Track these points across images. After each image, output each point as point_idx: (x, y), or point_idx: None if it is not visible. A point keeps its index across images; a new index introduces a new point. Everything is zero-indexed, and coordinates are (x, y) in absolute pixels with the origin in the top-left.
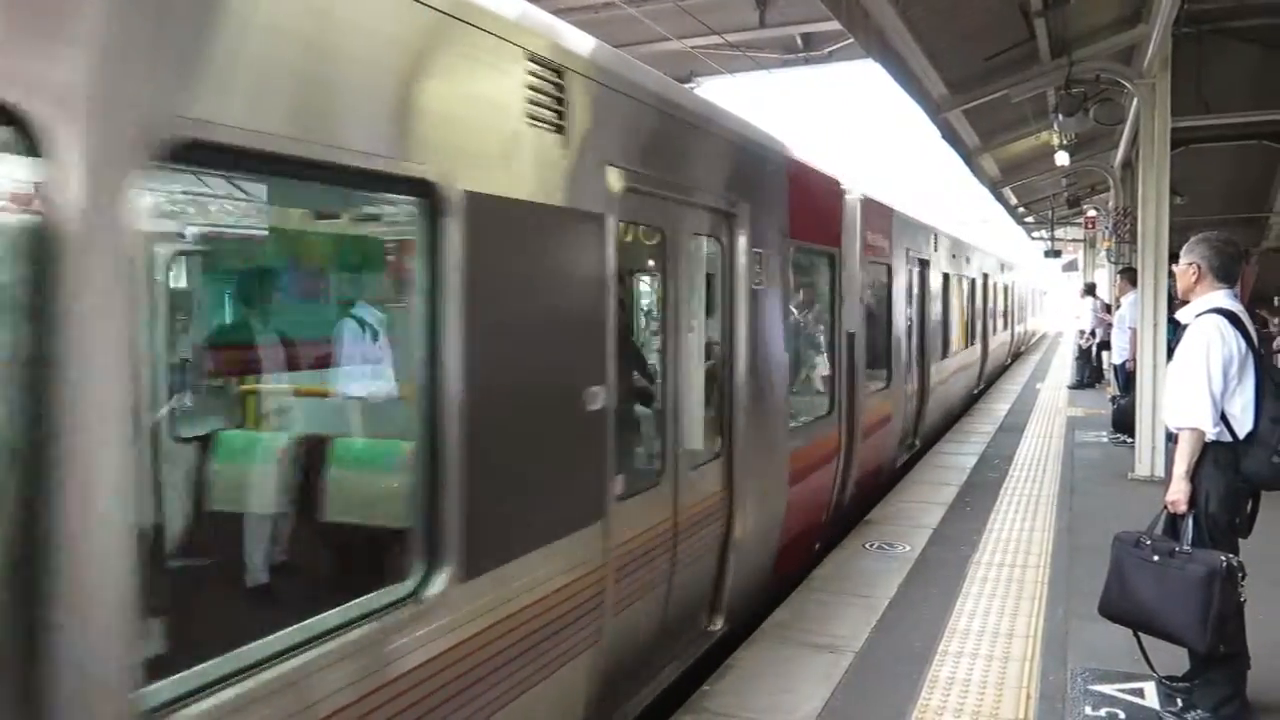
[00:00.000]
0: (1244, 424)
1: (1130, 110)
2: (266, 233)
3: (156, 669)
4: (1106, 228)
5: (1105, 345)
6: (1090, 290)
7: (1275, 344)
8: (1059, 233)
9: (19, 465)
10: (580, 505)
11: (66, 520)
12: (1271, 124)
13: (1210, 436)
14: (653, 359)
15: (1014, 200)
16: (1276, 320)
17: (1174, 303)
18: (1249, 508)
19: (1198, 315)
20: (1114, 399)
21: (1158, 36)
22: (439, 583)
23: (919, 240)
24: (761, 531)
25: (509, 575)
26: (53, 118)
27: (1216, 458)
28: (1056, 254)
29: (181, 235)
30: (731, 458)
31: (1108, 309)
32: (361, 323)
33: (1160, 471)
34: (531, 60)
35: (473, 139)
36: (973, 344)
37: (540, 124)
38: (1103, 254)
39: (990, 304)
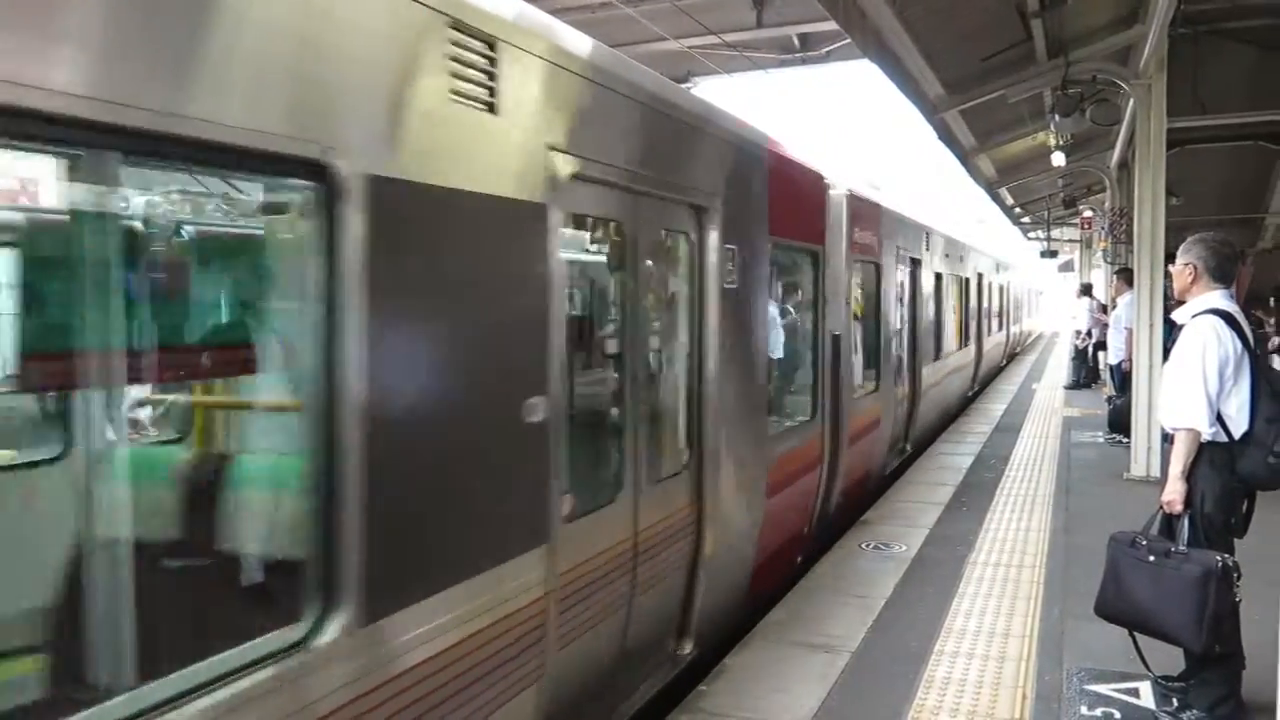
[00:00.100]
0: (1239, 424)
1: (1126, 111)
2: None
3: None
4: (1103, 228)
5: (1101, 345)
6: (1086, 290)
7: (1271, 344)
8: (1055, 233)
9: None
10: (516, 530)
11: None
12: (1267, 125)
13: (1206, 437)
14: (609, 365)
15: (1010, 200)
16: (1272, 321)
17: (1169, 303)
18: (1244, 508)
19: (1194, 316)
20: (1110, 399)
21: (1154, 37)
22: (334, 628)
23: (910, 239)
24: (735, 547)
25: (423, 614)
26: None
27: (1212, 458)
28: (1053, 254)
29: None
30: (701, 470)
31: (1104, 309)
32: (248, 325)
33: (1156, 472)
34: (455, 28)
35: (379, 116)
36: (967, 345)
37: (467, 101)
38: (1099, 254)
39: (985, 304)
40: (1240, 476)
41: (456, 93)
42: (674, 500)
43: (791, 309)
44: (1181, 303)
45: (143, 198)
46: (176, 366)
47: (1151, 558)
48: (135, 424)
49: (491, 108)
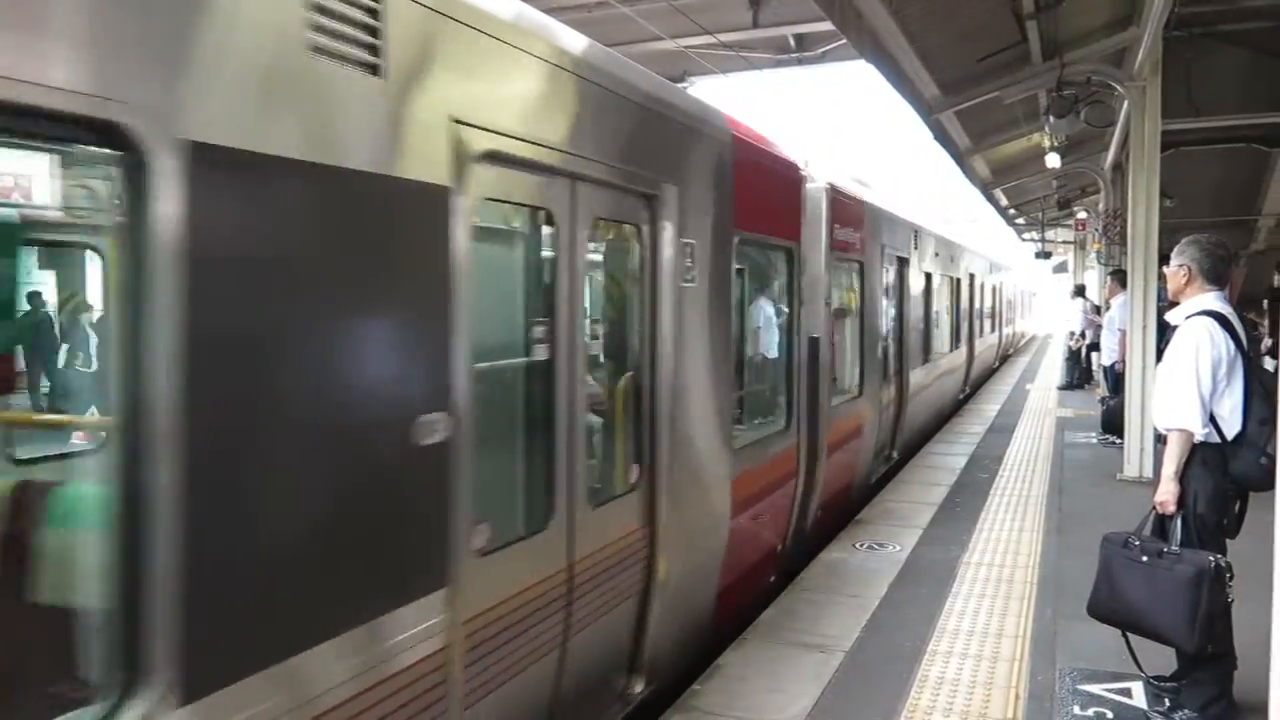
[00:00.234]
0: (1232, 425)
1: (1121, 113)
2: None
3: None
4: (1097, 229)
5: (1095, 347)
6: (1080, 292)
7: (1263, 346)
8: (1049, 234)
9: None
10: (404, 572)
11: None
12: (1260, 127)
13: (1199, 438)
14: (538, 374)
15: (1005, 202)
16: (1265, 323)
17: (1163, 304)
18: (1237, 508)
19: (1188, 317)
20: (1103, 400)
21: (1149, 39)
22: (135, 711)
23: (897, 236)
24: (695, 572)
25: (268, 686)
26: None
27: (1205, 459)
28: (1047, 255)
29: None
30: (654, 488)
31: (1097, 310)
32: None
33: (1149, 473)
34: None
35: (204, 69)
36: (958, 347)
37: (337, 58)
38: (1093, 256)
39: (977, 305)
40: (1233, 478)
41: (320, 49)
42: (620, 523)
43: (762, 310)
44: (1175, 304)
45: None
46: None
47: (1144, 558)
48: None
49: (374, 69)
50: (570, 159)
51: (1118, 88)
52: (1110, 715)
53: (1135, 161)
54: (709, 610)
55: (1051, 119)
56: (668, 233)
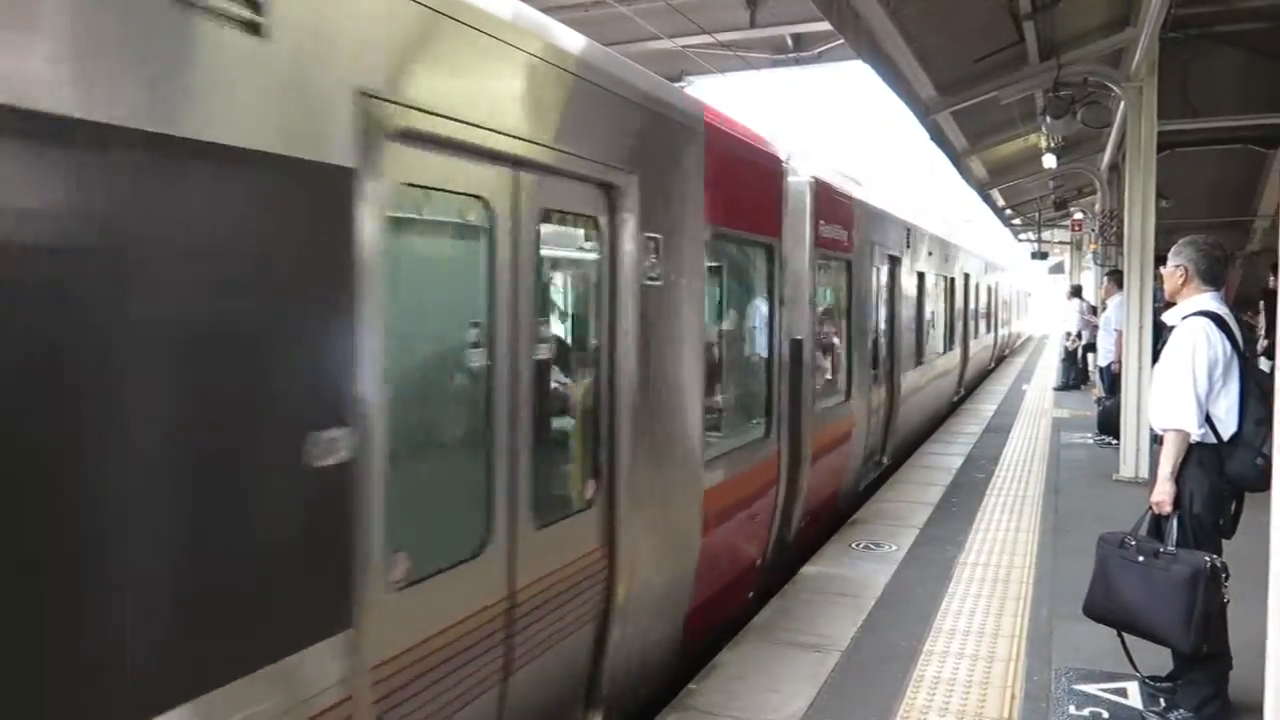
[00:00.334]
0: (1228, 426)
1: (1117, 113)
2: None
3: None
4: (1093, 230)
5: (1091, 347)
6: (1077, 292)
7: (1259, 346)
8: (1046, 235)
9: None
10: (292, 616)
11: None
12: (1256, 128)
13: (1195, 438)
14: (473, 382)
15: (1001, 202)
16: (1261, 323)
17: (1159, 305)
18: (1232, 509)
19: (1184, 318)
20: (1099, 401)
21: (1145, 40)
22: None
23: (888, 234)
24: (661, 593)
25: None
26: None
27: (1201, 459)
28: (1043, 256)
29: None
30: (613, 504)
31: (1094, 311)
32: None
33: (1145, 473)
34: None
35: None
36: (952, 348)
37: (207, 10)
38: (1089, 256)
39: (972, 306)
40: (1229, 478)
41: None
42: (574, 544)
43: (738, 310)
44: (1171, 305)
45: None
46: None
47: (1140, 558)
48: None
49: (254, 27)
50: (512, 143)
51: (1114, 88)
52: (1106, 715)
53: (1132, 162)
54: (677, 634)
55: (1048, 120)
56: (629, 227)
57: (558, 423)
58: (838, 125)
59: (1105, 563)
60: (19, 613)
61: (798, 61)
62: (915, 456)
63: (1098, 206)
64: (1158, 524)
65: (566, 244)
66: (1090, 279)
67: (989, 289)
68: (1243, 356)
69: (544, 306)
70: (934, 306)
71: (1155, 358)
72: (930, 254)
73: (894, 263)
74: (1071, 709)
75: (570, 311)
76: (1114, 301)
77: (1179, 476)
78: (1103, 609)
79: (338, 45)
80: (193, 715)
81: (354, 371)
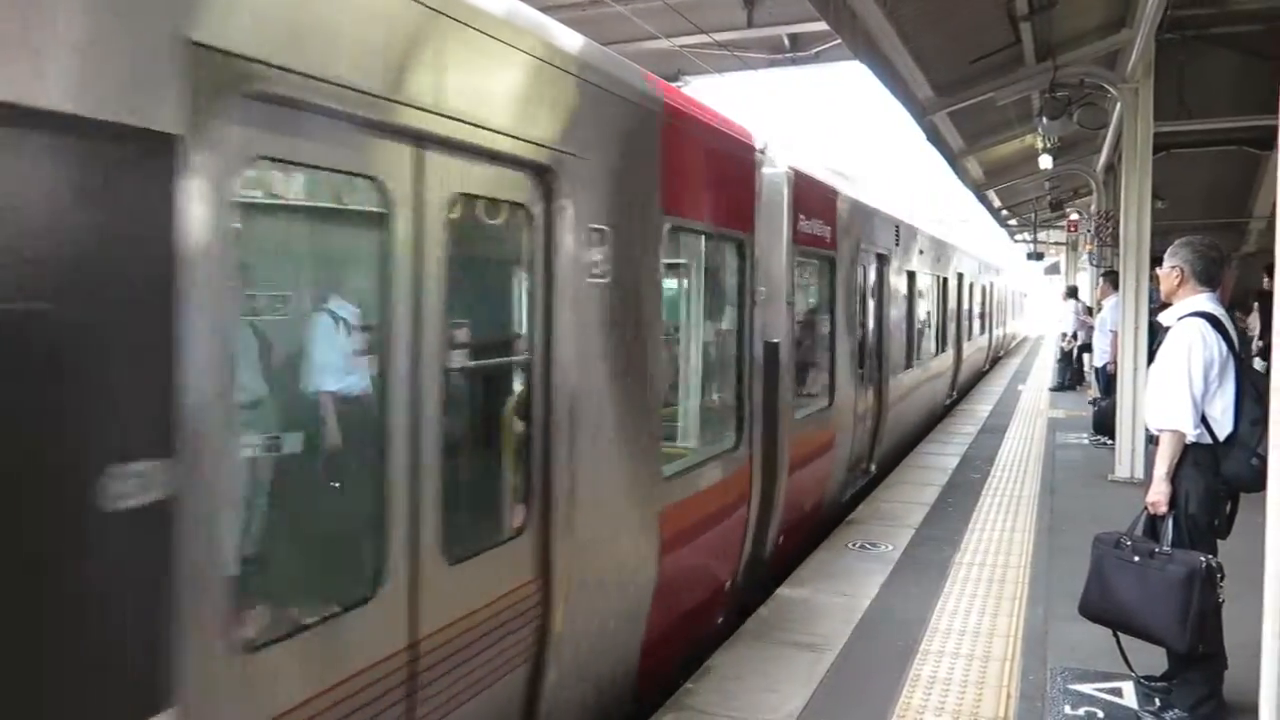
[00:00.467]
0: (1224, 426)
1: (1113, 115)
2: None
3: None
4: (1089, 231)
5: (1086, 348)
6: (1072, 293)
7: (1254, 346)
8: (1042, 235)
9: None
10: (82, 698)
11: None
12: (1251, 130)
13: (1190, 438)
14: (360, 397)
15: (998, 203)
16: (1251, 322)
17: (1154, 305)
18: (1228, 509)
19: (1180, 318)
20: (1095, 401)
21: (1141, 42)
22: None
23: (875, 231)
24: (610, 626)
25: None
26: None
27: (1197, 459)
28: (1039, 257)
29: None
30: (548, 531)
31: (1089, 311)
32: None
33: (1140, 473)
34: None
35: None
36: (944, 350)
37: None
38: (1085, 257)
39: (966, 306)
40: (1224, 478)
41: None
42: (498, 579)
43: (703, 311)
44: (1167, 305)
45: None
46: None
47: (1136, 558)
48: None
49: None
50: (413, 114)
51: (1110, 90)
52: (1101, 715)
53: (1127, 163)
54: (631, 668)
55: (1044, 120)
56: (568, 216)
57: (478, 441)
58: (836, 126)
59: (1101, 563)
60: None
61: (794, 61)
62: (911, 457)
63: (1093, 207)
64: (1153, 524)
65: (489, 236)
66: (1086, 280)
67: (983, 289)
68: (1238, 357)
69: (459, 307)
70: (925, 307)
71: (1151, 358)
72: (922, 253)
73: (882, 261)
74: (1067, 708)
75: (496, 313)
76: (1109, 302)
77: (1175, 477)
78: (1098, 609)
79: None
80: None
81: (175, 389)
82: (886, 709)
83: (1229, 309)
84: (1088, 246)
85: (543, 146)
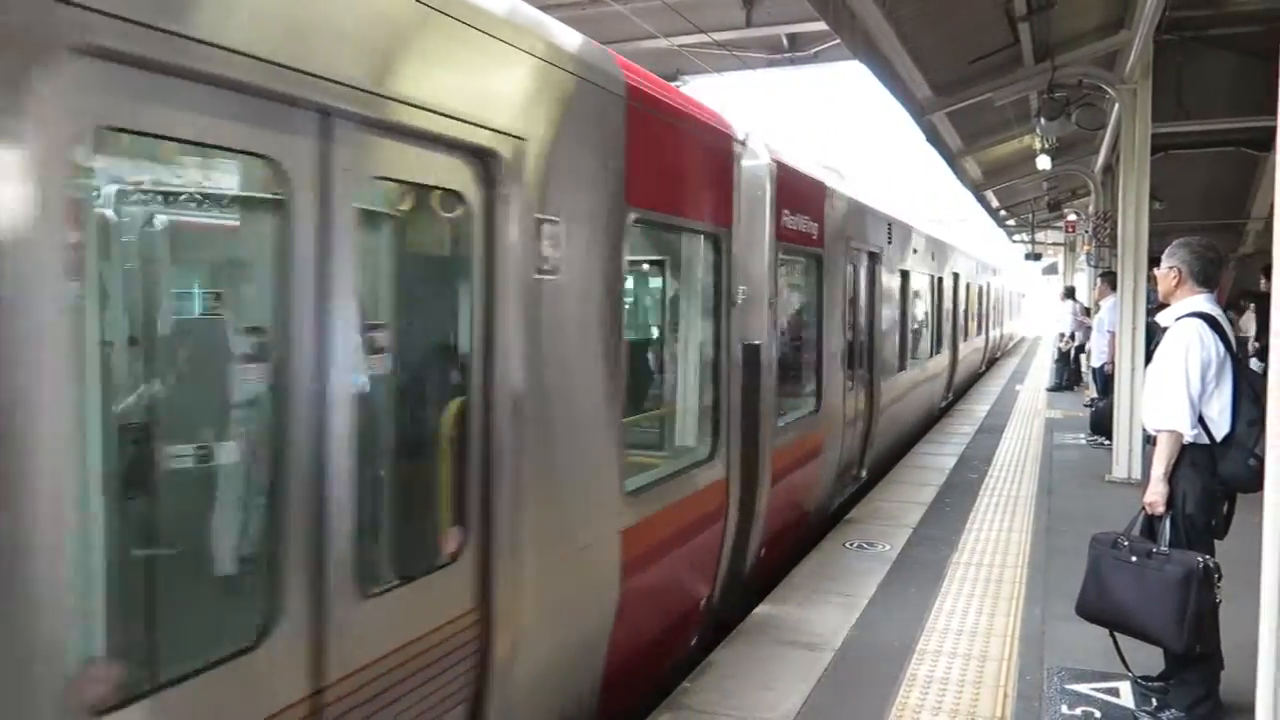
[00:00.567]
0: (1221, 427)
1: (1112, 115)
2: None
3: None
4: (1087, 231)
5: (1084, 348)
6: (1070, 294)
7: (1250, 347)
8: (1040, 236)
9: None
10: None
11: None
12: (1249, 131)
13: (1188, 439)
14: (244, 406)
15: (996, 203)
16: (1240, 321)
17: (1152, 306)
18: (1225, 510)
19: (1177, 319)
20: (1092, 401)
21: (1140, 43)
22: None
23: (867, 228)
24: (564, 657)
25: None
26: None
27: (1194, 460)
28: (1037, 257)
29: None
30: (489, 555)
31: (1087, 312)
32: None
33: (1137, 474)
34: None
35: None
36: (939, 352)
37: None
38: (1083, 257)
39: (962, 307)
40: (1221, 479)
41: None
42: (427, 611)
43: (674, 310)
44: (1165, 306)
45: None
46: None
47: (1133, 558)
48: None
49: None
50: (316, 85)
51: (1109, 90)
52: (1098, 714)
53: (1125, 164)
54: (590, 699)
55: (1043, 121)
56: (513, 205)
57: (402, 457)
58: (835, 126)
59: (1098, 563)
60: None
61: (793, 61)
62: (909, 456)
63: (1091, 208)
64: (1150, 524)
65: (416, 226)
66: (1084, 280)
67: (980, 290)
68: (1236, 357)
69: (378, 308)
70: (920, 308)
71: (1148, 359)
72: (916, 251)
73: (874, 260)
74: (1064, 708)
75: (425, 313)
76: (1107, 303)
77: (1172, 477)
78: (1095, 609)
79: None
80: None
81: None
82: (884, 708)
83: (1226, 310)
84: (1086, 247)
85: (482, 127)
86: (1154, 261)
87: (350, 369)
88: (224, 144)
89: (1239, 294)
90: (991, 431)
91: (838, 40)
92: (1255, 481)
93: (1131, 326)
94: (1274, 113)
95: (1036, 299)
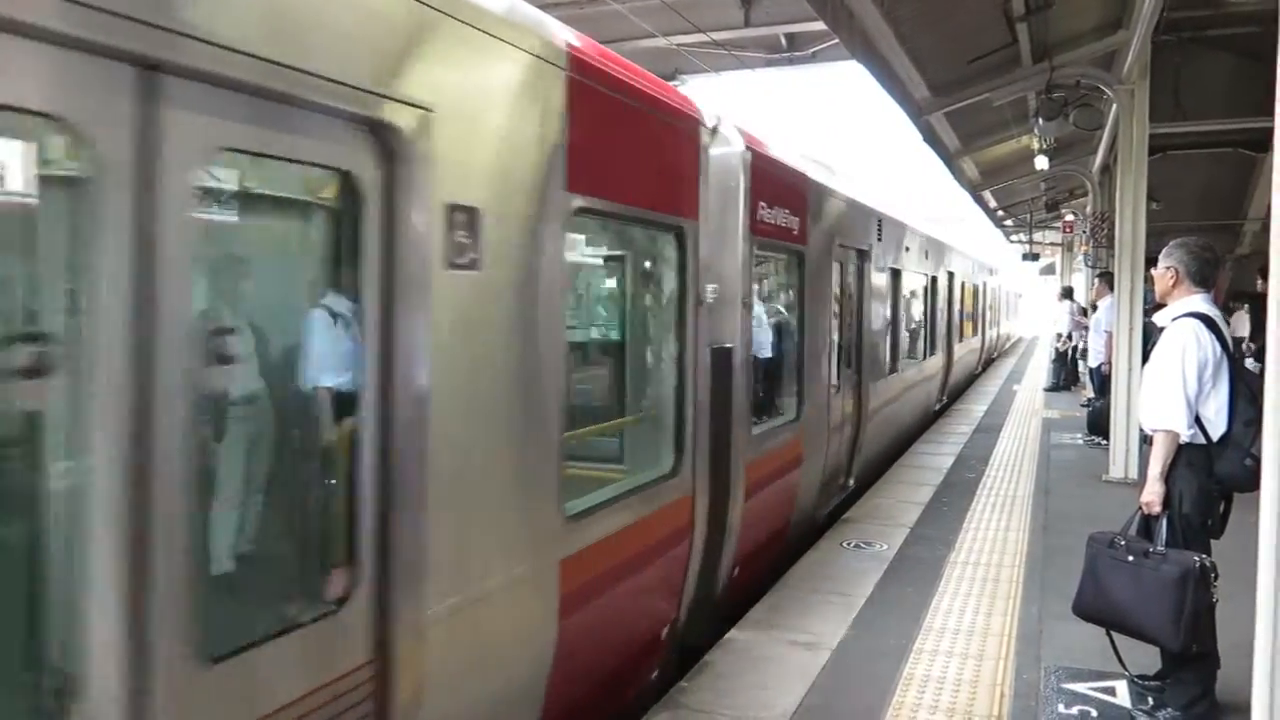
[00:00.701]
0: (1218, 426)
1: (1109, 116)
2: None
3: None
4: (1084, 232)
5: (1081, 349)
6: (1068, 294)
7: (1245, 347)
8: (1037, 236)
9: None
10: None
11: None
12: (1246, 132)
13: (1184, 439)
14: (38, 434)
15: (993, 203)
16: (1232, 321)
17: (1149, 306)
18: (1221, 509)
19: (1174, 319)
20: (1089, 401)
21: (1138, 43)
22: None
23: (854, 224)
24: (489, 707)
25: None
26: None
27: (1190, 459)
28: (1035, 257)
29: None
30: (389, 597)
31: (1084, 312)
32: None
33: (1134, 473)
34: None
35: None
36: (933, 354)
37: None
38: (1080, 258)
39: (957, 307)
40: (1218, 478)
41: None
42: (305, 669)
43: (628, 311)
44: (1162, 306)
45: None
46: None
47: (1130, 558)
48: None
49: None
50: (139, 31)
51: (1106, 91)
52: (1095, 714)
53: (1123, 164)
54: None
55: (1040, 121)
56: (419, 188)
57: (261, 487)
58: (834, 126)
59: (1095, 562)
60: None
61: (791, 61)
62: (906, 456)
63: (1089, 208)
64: (1147, 524)
65: (285, 210)
66: (1081, 280)
67: (976, 289)
68: (1232, 358)
69: (224, 309)
70: (912, 308)
71: (1145, 359)
72: (909, 250)
73: (862, 257)
74: (1060, 707)
75: (296, 314)
76: (1104, 303)
77: (1168, 477)
78: (1092, 608)
79: None
80: None
81: None
82: (881, 707)
83: (1223, 310)
84: (1083, 247)
85: (377, 95)
86: (1151, 262)
87: (197, 387)
88: (16, 104)
89: (1231, 295)
90: (989, 431)
91: (836, 40)
92: (1251, 481)
93: (1129, 326)
94: (1271, 114)
95: (1034, 299)
